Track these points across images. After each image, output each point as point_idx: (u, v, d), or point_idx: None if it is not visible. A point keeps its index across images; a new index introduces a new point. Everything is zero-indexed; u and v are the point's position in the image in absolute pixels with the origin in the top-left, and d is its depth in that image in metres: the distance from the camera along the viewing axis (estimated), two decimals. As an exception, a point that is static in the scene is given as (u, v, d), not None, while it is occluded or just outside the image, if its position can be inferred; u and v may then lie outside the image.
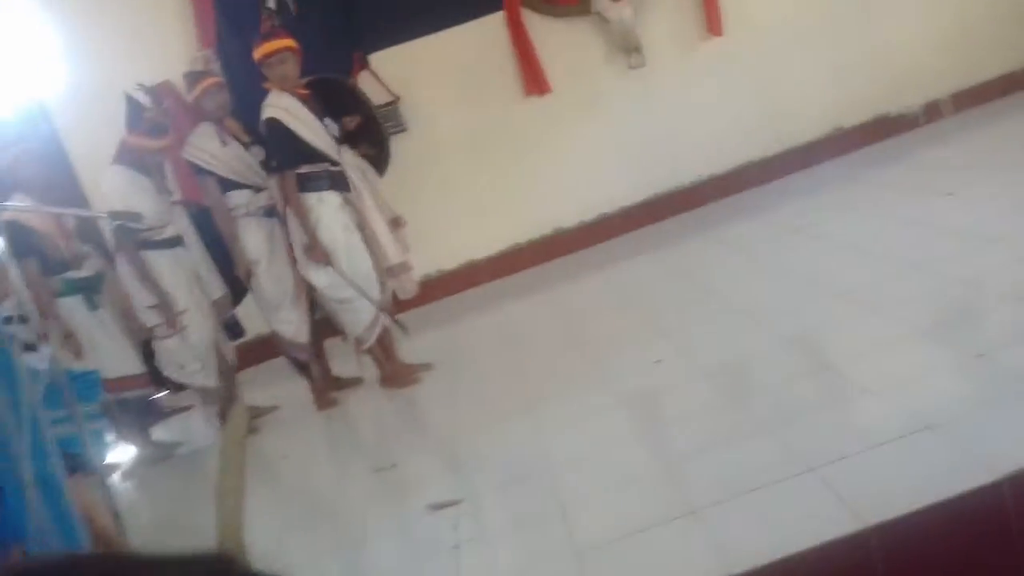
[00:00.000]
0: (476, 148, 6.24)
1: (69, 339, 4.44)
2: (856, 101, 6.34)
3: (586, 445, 3.30)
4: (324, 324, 4.74)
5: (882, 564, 2.16)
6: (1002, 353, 2.85)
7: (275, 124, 4.31)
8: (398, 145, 5.87)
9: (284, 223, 4.51)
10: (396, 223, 4.74)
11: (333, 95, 4.85)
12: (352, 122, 4.73)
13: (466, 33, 6.21)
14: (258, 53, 4.38)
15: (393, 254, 4.59)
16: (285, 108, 4.34)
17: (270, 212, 4.60)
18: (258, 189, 4.59)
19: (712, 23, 6.30)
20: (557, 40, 6.26)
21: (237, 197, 4.57)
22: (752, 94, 6.33)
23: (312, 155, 4.37)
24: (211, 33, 5.90)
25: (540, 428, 3.56)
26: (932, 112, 6.44)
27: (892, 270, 3.91)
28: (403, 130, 6.13)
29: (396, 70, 6.12)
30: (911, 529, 2.16)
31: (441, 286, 6.18)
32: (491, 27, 6.23)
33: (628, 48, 6.30)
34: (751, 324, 3.90)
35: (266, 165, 4.51)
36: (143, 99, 4.49)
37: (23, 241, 4.30)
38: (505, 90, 6.30)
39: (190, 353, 4.60)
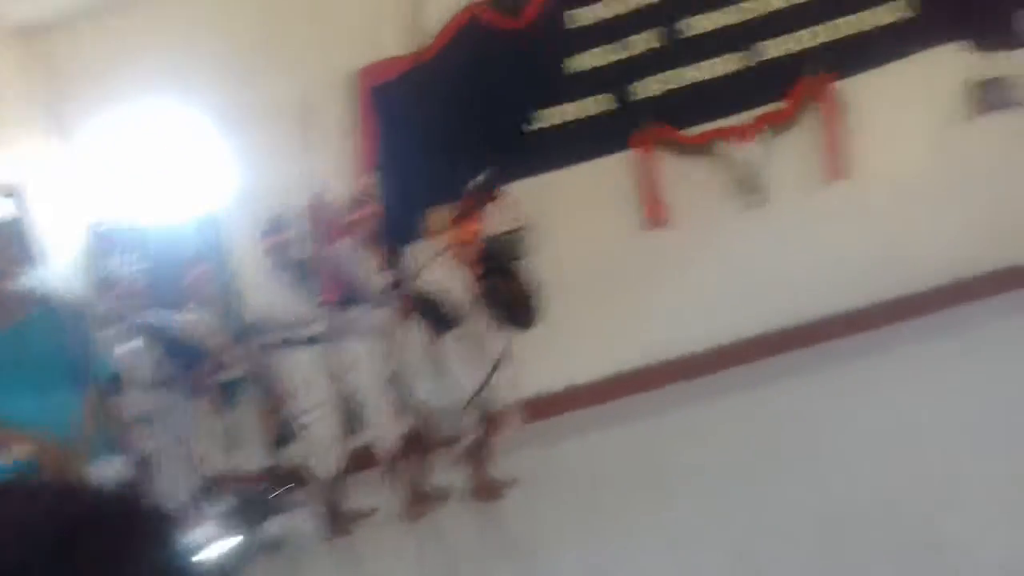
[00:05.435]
0: (592, 277, 6.50)
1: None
2: (981, 252, 6.23)
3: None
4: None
5: None
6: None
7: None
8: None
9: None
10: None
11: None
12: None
13: (594, 168, 6.58)
14: (450, 230, 5.11)
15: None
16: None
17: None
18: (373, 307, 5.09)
19: (834, 167, 6.42)
20: (681, 176, 6.53)
21: (355, 310, 5.09)
22: (872, 238, 6.35)
23: None
24: (371, 160, 6.54)
25: (604, 555, 3.71)
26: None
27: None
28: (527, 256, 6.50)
29: (527, 199, 6.54)
30: None
31: (541, 408, 6.39)
32: (619, 163, 6.59)
33: (749, 186, 6.50)
34: (839, 478, 3.93)
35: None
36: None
37: (182, 346, 4.97)
38: (626, 222, 6.59)
39: (320, 445, 5.02)
